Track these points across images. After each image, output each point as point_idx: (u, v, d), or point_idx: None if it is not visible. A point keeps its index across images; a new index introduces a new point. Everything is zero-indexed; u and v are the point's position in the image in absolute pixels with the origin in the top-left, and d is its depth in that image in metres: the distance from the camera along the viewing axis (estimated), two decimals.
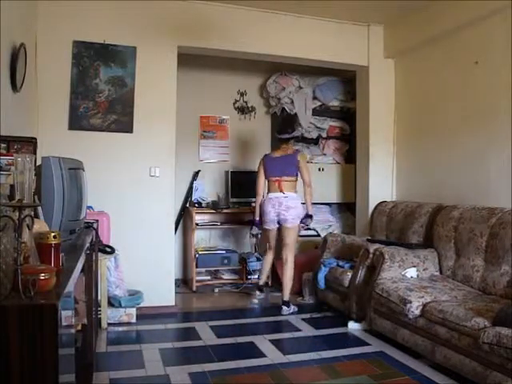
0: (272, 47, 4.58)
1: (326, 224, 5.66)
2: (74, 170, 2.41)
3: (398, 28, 4.79)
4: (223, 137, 5.71)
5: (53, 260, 1.52)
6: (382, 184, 4.95)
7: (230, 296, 4.92)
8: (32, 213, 1.48)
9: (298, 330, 3.82)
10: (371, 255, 3.80)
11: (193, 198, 5.33)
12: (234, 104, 5.77)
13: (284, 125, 4.60)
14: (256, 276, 5.06)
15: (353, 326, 3.80)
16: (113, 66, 4.07)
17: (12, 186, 1.80)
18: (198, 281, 5.07)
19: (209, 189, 5.54)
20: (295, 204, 4.32)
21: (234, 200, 5.43)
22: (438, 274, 3.72)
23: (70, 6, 3.89)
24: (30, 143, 2.50)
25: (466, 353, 2.69)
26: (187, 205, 5.38)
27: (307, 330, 3.79)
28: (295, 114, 5.41)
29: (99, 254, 3.42)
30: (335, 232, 5.39)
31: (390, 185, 4.98)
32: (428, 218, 4.03)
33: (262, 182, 4.51)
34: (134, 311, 3.91)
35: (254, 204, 4.78)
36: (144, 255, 4.15)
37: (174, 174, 4.33)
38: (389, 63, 4.99)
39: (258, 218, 4.51)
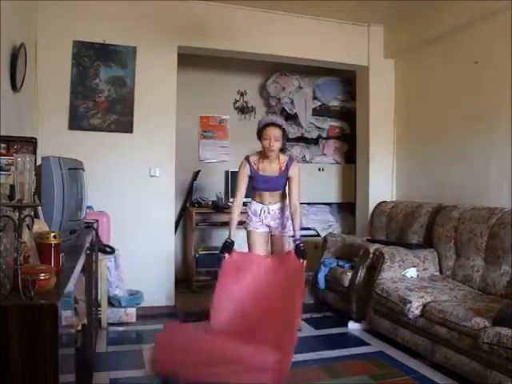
0: (272, 47, 4.58)
1: (326, 224, 5.66)
2: (74, 170, 2.42)
3: (398, 28, 4.79)
4: (223, 137, 5.70)
5: (53, 260, 1.52)
6: (381, 184, 4.95)
7: None
8: (32, 213, 1.48)
9: (298, 329, 3.80)
10: (371, 255, 3.80)
11: (193, 198, 5.32)
12: (234, 104, 5.76)
13: None
14: None
15: (353, 326, 3.80)
16: (113, 66, 4.06)
17: (12, 186, 1.80)
18: (197, 281, 5.06)
19: (209, 189, 5.54)
20: None
21: None
22: (438, 274, 3.72)
23: (69, 6, 3.89)
24: (30, 143, 2.50)
25: (466, 353, 2.69)
26: (187, 205, 5.37)
27: (307, 330, 3.79)
28: (295, 113, 5.42)
29: (99, 253, 3.42)
30: (335, 232, 5.38)
31: (390, 185, 4.97)
32: (428, 218, 4.03)
33: None
34: (134, 311, 3.91)
35: None
36: (144, 255, 4.14)
37: (174, 174, 4.32)
38: (389, 63, 4.98)
39: None
